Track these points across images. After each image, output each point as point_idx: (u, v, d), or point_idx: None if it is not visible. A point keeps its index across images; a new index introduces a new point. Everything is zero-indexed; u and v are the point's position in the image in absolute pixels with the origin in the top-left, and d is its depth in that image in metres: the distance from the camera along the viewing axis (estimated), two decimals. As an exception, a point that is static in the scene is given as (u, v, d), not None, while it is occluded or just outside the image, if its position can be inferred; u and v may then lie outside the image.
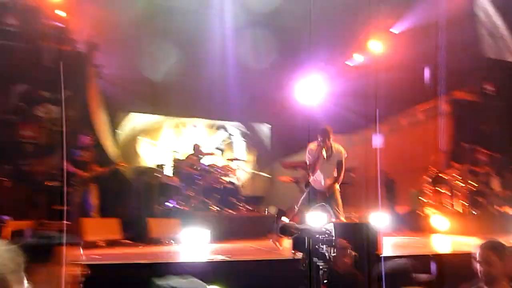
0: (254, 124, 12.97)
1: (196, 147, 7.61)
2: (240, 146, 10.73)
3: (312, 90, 12.78)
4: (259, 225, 6.60)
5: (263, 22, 10.35)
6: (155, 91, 10.54)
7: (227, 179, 7.31)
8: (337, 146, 5.24)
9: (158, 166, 7.72)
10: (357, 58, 11.42)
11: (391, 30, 10.20)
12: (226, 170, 7.35)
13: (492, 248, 2.34)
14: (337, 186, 5.25)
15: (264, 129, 13.26)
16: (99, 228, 4.91)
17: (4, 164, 6.90)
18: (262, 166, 12.68)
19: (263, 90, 11.63)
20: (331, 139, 5.11)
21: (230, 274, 3.27)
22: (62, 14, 8.22)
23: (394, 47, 9.98)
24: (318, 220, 3.64)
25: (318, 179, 5.15)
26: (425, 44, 8.93)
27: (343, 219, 5.08)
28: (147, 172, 7.37)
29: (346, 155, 5.32)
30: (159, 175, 7.13)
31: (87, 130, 6.79)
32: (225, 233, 6.00)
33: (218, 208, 6.63)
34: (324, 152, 5.00)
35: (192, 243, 5.38)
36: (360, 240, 3.68)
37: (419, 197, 7.91)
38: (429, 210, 7.60)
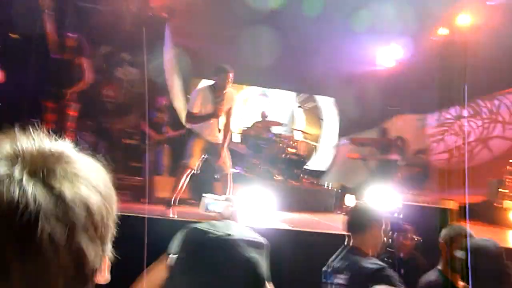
0: (324, 97, 12.69)
1: (263, 115, 7.64)
2: (308, 119, 10.56)
3: (391, 65, 12.20)
4: (320, 198, 6.54)
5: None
6: (228, 59, 10.63)
7: (292, 150, 7.27)
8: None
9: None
10: (444, 33, 10.58)
11: (487, 2, 9.24)
12: (292, 141, 7.31)
13: None
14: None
15: (333, 103, 12.93)
16: (169, 186, 5.15)
17: (87, 120, 7.45)
18: (329, 140, 12.47)
19: (338, 63, 11.29)
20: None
21: (291, 243, 3.29)
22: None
23: (488, 21, 9.07)
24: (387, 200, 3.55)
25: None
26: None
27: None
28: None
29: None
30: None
31: (163, 92, 7.05)
32: (286, 203, 6.02)
33: (281, 178, 6.66)
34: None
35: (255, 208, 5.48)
36: (429, 224, 3.54)
37: (499, 188, 7.30)
38: (507, 202, 7.00)
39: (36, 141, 0.52)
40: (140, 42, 7.92)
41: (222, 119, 4.32)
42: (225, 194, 4.27)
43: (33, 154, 0.50)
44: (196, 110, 4.18)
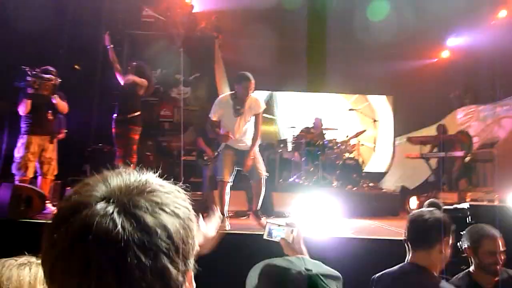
0: (378, 96, 12.36)
1: (316, 122, 7.60)
2: (362, 120, 10.34)
3: (447, 57, 11.61)
4: (382, 202, 6.35)
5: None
6: (274, 69, 10.80)
7: (348, 154, 7.16)
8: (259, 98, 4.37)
9: (280, 141, 7.94)
10: (503, 15, 9.91)
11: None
12: (347, 145, 7.20)
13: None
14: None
15: (388, 102, 12.54)
16: (230, 199, 5.30)
17: (148, 141, 7.86)
18: (386, 140, 12.08)
19: (387, 59, 10.99)
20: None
21: (354, 252, 3.24)
22: (191, 2, 8.88)
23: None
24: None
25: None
26: None
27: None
28: (269, 147, 7.63)
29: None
30: (280, 151, 7.33)
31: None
32: (346, 209, 5.93)
33: (339, 184, 6.57)
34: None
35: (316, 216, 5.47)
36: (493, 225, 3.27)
37: None
38: None
39: (124, 176, 0.63)
40: (192, 62, 8.26)
41: (247, 126, 4.30)
42: (258, 198, 4.27)
43: (121, 189, 0.59)
44: (215, 118, 4.26)
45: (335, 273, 1.05)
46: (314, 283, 0.99)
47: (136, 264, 0.54)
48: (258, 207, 4.30)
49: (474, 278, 2.29)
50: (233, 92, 4.26)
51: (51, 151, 4.60)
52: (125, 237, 0.54)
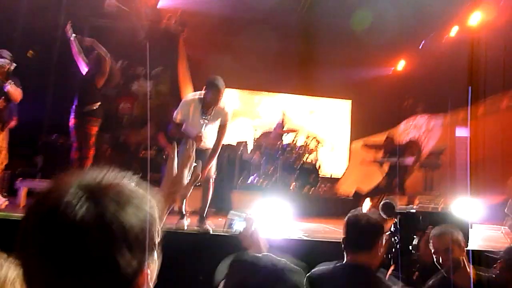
0: (336, 100, 12.73)
1: (278, 124, 7.73)
2: (321, 124, 10.63)
3: (403, 68, 12.18)
4: (337, 205, 6.58)
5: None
6: (237, 67, 10.84)
7: (306, 157, 7.34)
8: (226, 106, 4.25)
9: (239, 142, 8.00)
10: (455, 31, 10.53)
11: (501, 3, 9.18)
12: (306, 148, 7.38)
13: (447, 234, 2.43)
14: None
15: (346, 106, 12.94)
16: (189, 198, 5.28)
17: (105, 134, 7.65)
18: (342, 145, 12.47)
19: (349, 65, 11.36)
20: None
21: (307, 253, 3.35)
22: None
23: (499, 18, 9.01)
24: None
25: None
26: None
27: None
28: (230, 147, 7.67)
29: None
30: (240, 152, 7.39)
31: (178, 103, 7.16)
32: (302, 211, 6.10)
33: (296, 186, 6.73)
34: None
35: (272, 218, 5.58)
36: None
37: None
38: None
39: (96, 176, 0.69)
40: (155, 55, 8.13)
41: (212, 132, 4.19)
42: (206, 201, 4.16)
43: (91, 186, 0.67)
44: (180, 118, 4.09)
45: (298, 268, 1.12)
46: (280, 276, 1.05)
47: (91, 251, 0.61)
48: (205, 211, 4.10)
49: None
50: (202, 96, 4.08)
51: (1, 140, 4.39)
52: (86, 221, 0.61)
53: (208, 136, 4.17)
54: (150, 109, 8.11)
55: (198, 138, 3.95)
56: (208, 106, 4.02)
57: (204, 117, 4.06)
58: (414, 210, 3.49)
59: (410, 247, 2.51)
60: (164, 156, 6.16)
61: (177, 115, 4.10)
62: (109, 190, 0.66)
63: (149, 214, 0.68)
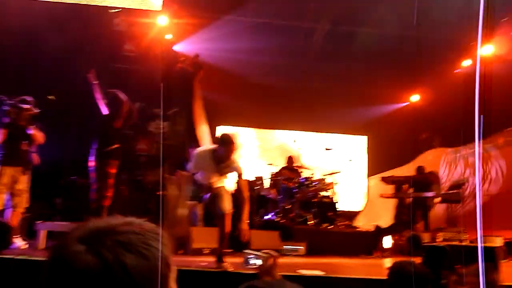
0: (352, 136, 12.72)
1: (290, 160, 7.71)
2: (338, 159, 10.60)
3: (415, 102, 12.21)
4: (356, 241, 6.41)
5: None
6: (253, 107, 11.05)
7: (323, 193, 7.26)
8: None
9: (256, 178, 7.98)
10: (467, 65, 10.63)
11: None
12: (323, 184, 7.31)
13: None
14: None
15: (362, 141, 12.90)
16: (205, 236, 5.23)
17: (122, 174, 7.74)
18: (360, 180, 12.33)
19: (363, 101, 11.45)
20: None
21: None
22: (171, 37, 9.07)
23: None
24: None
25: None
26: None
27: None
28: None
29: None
30: (257, 187, 7.36)
31: (194, 143, 7.23)
32: (321, 247, 5.96)
33: (315, 222, 6.62)
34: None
35: (289, 256, 5.46)
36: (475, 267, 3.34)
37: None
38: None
39: (102, 221, 0.72)
40: (171, 96, 8.34)
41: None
42: (222, 238, 4.09)
43: (93, 232, 0.69)
44: (194, 171, 4.18)
45: None
46: None
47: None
48: (222, 249, 4.02)
49: None
50: (215, 149, 4.16)
51: (23, 183, 4.47)
52: (88, 271, 0.64)
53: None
54: (166, 149, 8.22)
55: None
56: (221, 160, 4.07)
57: (218, 170, 4.12)
58: (442, 245, 3.39)
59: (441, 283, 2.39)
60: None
61: (192, 168, 4.21)
62: (111, 234, 0.68)
63: (160, 251, 0.69)
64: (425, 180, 7.31)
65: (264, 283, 1.09)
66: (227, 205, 4.16)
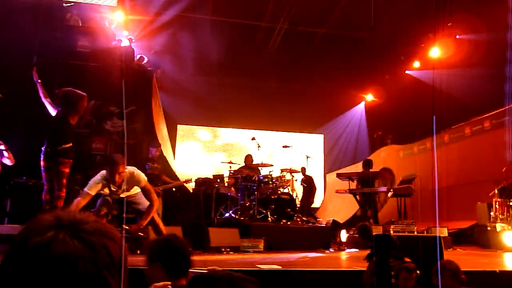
0: (309, 134, 13.01)
1: (248, 158, 7.79)
2: (295, 157, 10.80)
3: (369, 101, 12.70)
4: (315, 236, 6.60)
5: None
6: (209, 105, 11.03)
7: (282, 190, 7.40)
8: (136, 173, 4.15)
9: (215, 176, 8.00)
10: (417, 66, 11.20)
11: (457, 36, 9.89)
12: (281, 181, 7.44)
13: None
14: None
15: (319, 139, 13.23)
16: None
17: (77, 175, 7.50)
18: (316, 176, 12.64)
19: (318, 101, 11.74)
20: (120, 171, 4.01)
21: (282, 284, 3.35)
22: (129, 35, 8.88)
23: (457, 53, 9.68)
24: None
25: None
26: (491, 49, 8.57)
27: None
28: (206, 182, 7.64)
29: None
30: (216, 186, 7.38)
31: (154, 142, 7.12)
32: (280, 243, 6.09)
33: (274, 219, 6.73)
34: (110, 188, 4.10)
35: (248, 252, 5.55)
36: (420, 255, 3.54)
37: (488, 211, 7.41)
38: (499, 225, 7.07)
39: (70, 212, 0.76)
40: (128, 94, 8.16)
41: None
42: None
43: (69, 220, 0.73)
44: (93, 193, 4.11)
45: (254, 279, 1.16)
46: (236, 283, 1.08)
47: (85, 275, 0.68)
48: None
49: None
50: (104, 174, 4.06)
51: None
52: (78, 254, 0.68)
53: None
54: (122, 148, 8.04)
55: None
56: (113, 182, 4.02)
57: (115, 194, 4.12)
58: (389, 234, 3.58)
59: (389, 271, 2.54)
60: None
61: (90, 191, 4.08)
62: (87, 223, 0.73)
63: (121, 246, 0.76)
64: (374, 175, 7.63)
65: (210, 271, 1.16)
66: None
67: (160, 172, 6.30)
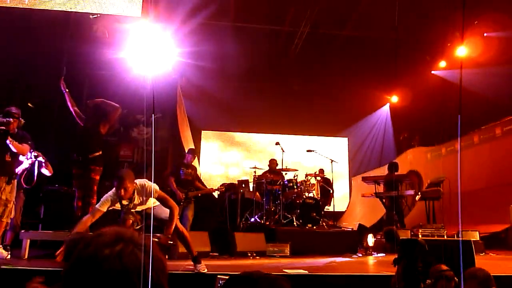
0: (333, 138, 12.91)
1: (272, 162, 7.79)
2: (320, 161, 10.74)
3: (395, 103, 12.46)
4: (342, 241, 6.54)
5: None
6: (233, 111, 11.11)
7: (308, 194, 7.37)
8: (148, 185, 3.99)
9: (240, 181, 8.05)
10: (443, 66, 10.95)
11: (485, 34, 9.63)
12: (306, 185, 7.42)
13: None
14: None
15: (343, 143, 13.11)
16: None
17: (106, 181, 7.70)
18: (341, 180, 12.51)
19: (342, 104, 11.64)
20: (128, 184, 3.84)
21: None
22: (154, 44, 9.07)
23: (486, 52, 9.42)
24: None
25: None
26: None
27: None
28: (231, 187, 7.71)
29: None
30: (241, 191, 7.43)
31: (191, 149, 7.21)
32: (306, 248, 6.06)
33: (299, 223, 6.72)
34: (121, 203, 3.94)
35: (274, 256, 5.56)
36: (452, 260, 3.45)
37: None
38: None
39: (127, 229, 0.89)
40: (154, 102, 8.34)
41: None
42: (186, 242, 4.08)
43: (129, 235, 0.86)
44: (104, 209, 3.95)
45: (287, 280, 1.17)
46: (275, 283, 1.10)
47: (151, 282, 0.81)
48: (192, 253, 4.02)
49: None
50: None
51: (8, 193, 4.42)
52: (146, 267, 0.81)
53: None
54: (149, 155, 8.21)
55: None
56: (120, 197, 3.88)
57: (127, 209, 4.01)
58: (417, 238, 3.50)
59: (417, 276, 2.49)
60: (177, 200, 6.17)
61: (101, 207, 3.94)
62: (145, 239, 0.86)
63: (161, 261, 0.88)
64: (400, 178, 7.50)
65: (246, 273, 1.16)
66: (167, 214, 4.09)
67: (194, 178, 6.36)
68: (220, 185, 7.00)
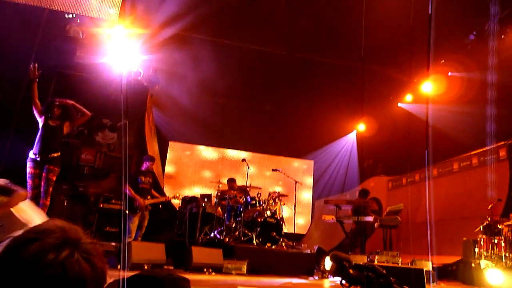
0: (299, 160, 13.05)
1: (231, 181, 7.74)
2: (283, 182, 10.82)
3: (361, 131, 12.80)
4: (299, 262, 6.52)
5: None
6: (202, 124, 11.05)
7: (269, 213, 7.35)
8: None
9: (203, 195, 7.94)
10: (409, 100, 11.39)
11: (449, 74, 10.12)
12: (268, 204, 7.41)
13: None
14: None
15: (309, 166, 13.27)
16: (146, 251, 5.11)
17: (63, 184, 7.40)
18: (305, 203, 12.61)
19: (310, 127, 11.83)
20: None
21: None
22: (128, 48, 8.96)
23: (449, 90, 9.88)
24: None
25: None
26: (482, 88, 8.78)
27: None
28: (192, 201, 7.59)
29: None
30: (203, 205, 7.32)
31: (149, 155, 7.06)
32: (263, 267, 6.01)
33: (258, 242, 6.66)
34: None
35: (231, 273, 5.46)
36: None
37: (473, 247, 7.39)
38: (483, 262, 7.04)
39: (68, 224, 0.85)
40: (121, 107, 8.17)
41: None
42: None
43: (75, 235, 0.84)
44: None
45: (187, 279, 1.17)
46: (175, 282, 1.09)
47: None
48: None
49: None
50: None
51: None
52: (87, 277, 0.79)
53: None
54: (112, 161, 7.99)
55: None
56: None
57: None
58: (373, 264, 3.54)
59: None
60: (135, 207, 5.99)
61: None
62: (89, 243, 0.84)
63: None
64: (366, 204, 7.64)
65: (148, 271, 1.16)
66: None
67: (151, 186, 6.26)
68: (177, 194, 6.87)
